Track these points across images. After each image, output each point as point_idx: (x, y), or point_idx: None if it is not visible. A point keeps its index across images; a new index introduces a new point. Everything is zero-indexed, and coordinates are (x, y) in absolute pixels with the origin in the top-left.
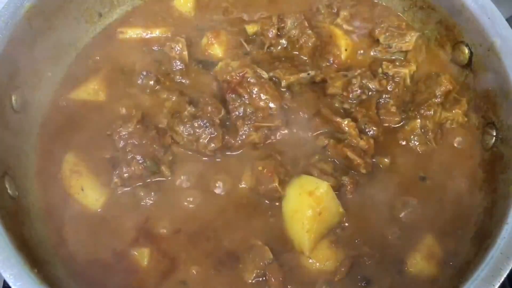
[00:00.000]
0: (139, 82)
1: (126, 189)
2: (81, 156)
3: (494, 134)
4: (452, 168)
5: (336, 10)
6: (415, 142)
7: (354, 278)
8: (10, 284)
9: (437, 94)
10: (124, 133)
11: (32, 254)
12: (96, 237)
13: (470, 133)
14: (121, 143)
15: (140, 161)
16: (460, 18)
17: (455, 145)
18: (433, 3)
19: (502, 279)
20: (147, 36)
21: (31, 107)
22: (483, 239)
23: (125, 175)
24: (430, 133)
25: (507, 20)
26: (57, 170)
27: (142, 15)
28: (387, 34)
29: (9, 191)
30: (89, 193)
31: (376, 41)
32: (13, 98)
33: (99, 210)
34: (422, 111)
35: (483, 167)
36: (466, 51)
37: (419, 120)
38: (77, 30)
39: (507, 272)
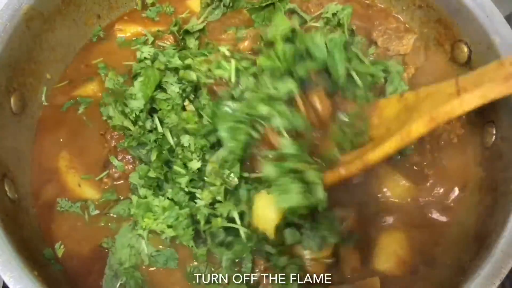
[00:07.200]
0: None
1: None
2: (77, 156)
3: (494, 132)
4: (452, 167)
5: None
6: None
7: None
8: (10, 286)
9: None
10: (115, 133)
11: (32, 256)
12: (96, 237)
13: (470, 132)
14: (113, 143)
15: (130, 161)
16: (459, 17)
17: (455, 145)
18: (432, 2)
19: (503, 277)
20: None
21: (30, 109)
22: (484, 237)
23: (116, 175)
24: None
25: (505, 18)
26: (55, 171)
27: (139, 16)
28: (385, 36)
29: (8, 193)
30: (86, 190)
31: (374, 44)
32: (12, 100)
33: (97, 210)
34: None
35: (483, 166)
36: (465, 49)
37: None
38: (76, 32)
39: (508, 270)
